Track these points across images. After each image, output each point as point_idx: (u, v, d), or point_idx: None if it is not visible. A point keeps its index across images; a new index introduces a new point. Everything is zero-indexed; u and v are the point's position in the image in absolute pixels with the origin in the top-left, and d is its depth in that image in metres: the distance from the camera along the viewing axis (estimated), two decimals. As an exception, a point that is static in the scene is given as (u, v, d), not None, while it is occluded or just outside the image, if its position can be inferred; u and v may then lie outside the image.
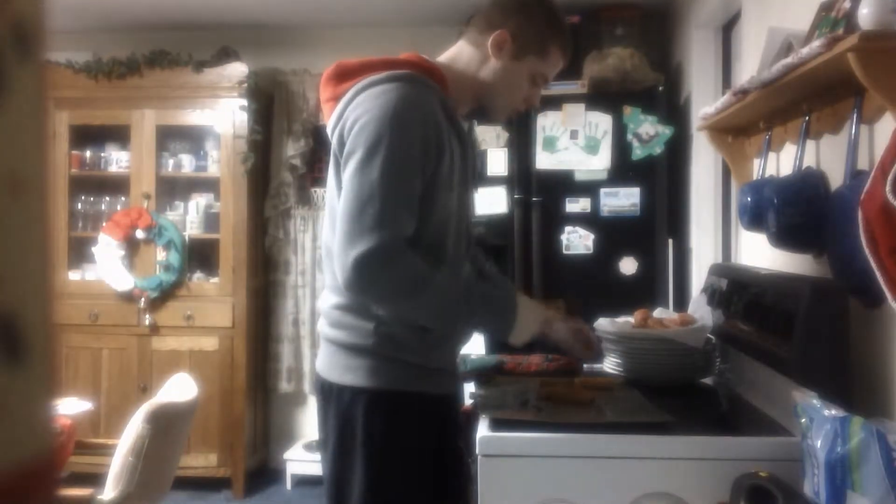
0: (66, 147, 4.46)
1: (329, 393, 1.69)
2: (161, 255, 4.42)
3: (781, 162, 2.21)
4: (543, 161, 3.78)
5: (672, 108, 3.86)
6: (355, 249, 1.51)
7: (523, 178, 3.82)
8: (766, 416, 1.79)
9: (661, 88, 3.80)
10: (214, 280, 4.46)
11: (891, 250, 1.34)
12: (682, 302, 3.66)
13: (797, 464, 1.40)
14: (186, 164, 4.55)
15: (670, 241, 3.83)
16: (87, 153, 4.55)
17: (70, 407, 3.11)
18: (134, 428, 2.55)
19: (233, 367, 4.37)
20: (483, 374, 2.06)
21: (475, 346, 2.30)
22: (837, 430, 1.27)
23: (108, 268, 4.38)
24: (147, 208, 4.41)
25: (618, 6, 4.00)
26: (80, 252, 4.55)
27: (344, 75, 1.68)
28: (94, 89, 4.41)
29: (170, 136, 4.56)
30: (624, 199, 3.75)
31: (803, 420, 1.37)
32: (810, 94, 1.85)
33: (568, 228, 3.77)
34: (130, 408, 2.86)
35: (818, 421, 1.32)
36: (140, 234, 4.39)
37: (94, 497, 2.54)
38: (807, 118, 1.90)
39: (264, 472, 4.63)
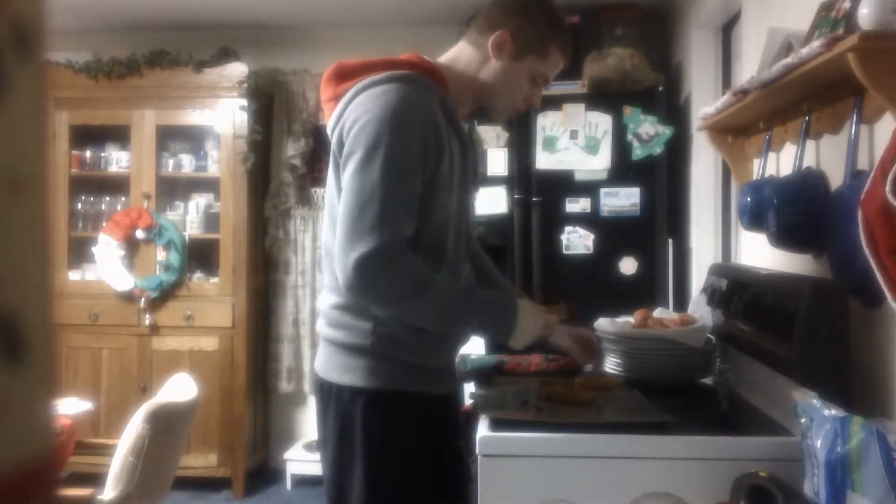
0: (66, 147, 4.46)
1: (328, 393, 1.69)
2: (161, 255, 4.42)
3: (781, 162, 2.21)
4: (543, 161, 3.78)
5: (672, 108, 3.86)
6: (355, 251, 1.51)
7: (523, 178, 3.82)
8: (766, 416, 1.79)
9: (661, 88, 3.80)
10: (214, 280, 4.46)
11: (891, 250, 1.34)
12: (682, 302, 3.66)
13: (797, 464, 1.40)
14: (186, 164, 4.55)
15: (670, 241, 3.83)
16: (87, 153, 4.55)
17: (70, 407, 3.11)
18: (134, 428, 2.55)
19: (233, 367, 4.37)
20: (483, 374, 2.06)
21: (475, 346, 2.30)
22: (837, 430, 1.27)
23: (108, 268, 4.38)
24: (147, 208, 4.41)
25: (618, 6, 4.00)
26: (80, 252, 4.54)
27: (344, 75, 1.68)
28: (94, 89, 4.41)
29: (170, 136, 4.56)
30: (624, 199, 3.75)
31: (803, 420, 1.37)
32: (810, 94, 1.85)
33: (568, 228, 3.77)
34: (130, 408, 2.86)
35: (818, 421, 1.32)
36: (140, 234, 4.39)
37: (94, 497, 2.54)
38: (807, 118, 1.90)
39: (264, 472, 4.63)
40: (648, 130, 3.74)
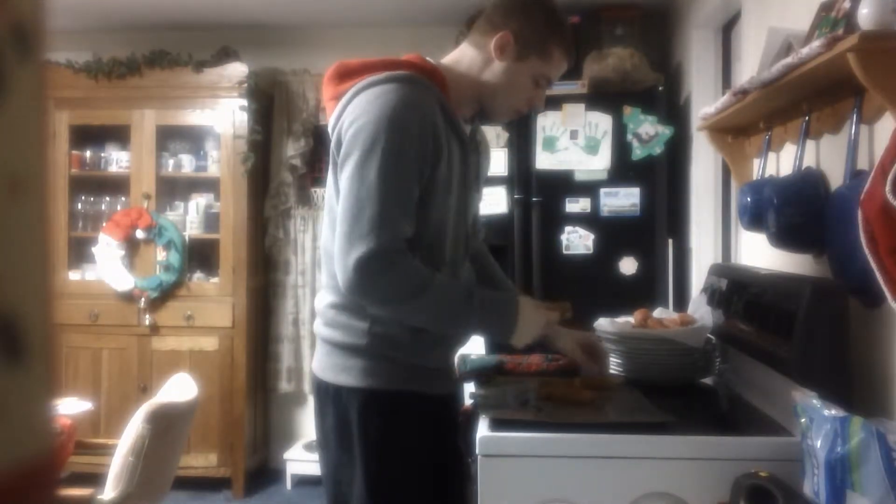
0: (66, 147, 4.46)
1: (325, 393, 1.70)
2: (161, 255, 4.42)
3: (781, 162, 2.21)
4: (543, 161, 3.78)
5: (672, 108, 3.86)
6: (354, 252, 1.51)
7: (523, 178, 3.82)
8: (766, 416, 1.79)
9: (661, 88, 3.80)
10: (214, 280, 4.46)
11: (891, 250, 1.34)
12: (682, 302, 3.66)
13: (797, 464, 1.40)
14: (186, 164, 4.55)
15: (670, 241, 3.83)
16: (87, 153, 4.55)
17: (70, 407, 3.11)
18: (134, 428, 2.55)
19: (233, 367, 4.37)
20: (483, 374, 2.06)
21: (475, 346, 2.30)
22: (837, 430, 1.27)
23: (108, 268, 4.38)
24: (147, 208, 4.41)
25: (618, 6, 4.00)
26: (80, 252, 4.54)
27: (345, 75, 1.68)
28: (94, 89, 4.41)
29: (170, 136, 4.56)
30: (624, 199, 3.75)
31: (803, 420, 1.37)
32: (810, 94, 1.85)
33: (568, 228, 3.77)
34: (130, 408, 2.86)
35: (818, 421, 1.32)
36: (140, 234, 4.39)
37: (94, 497, 2.54)
38: (807, 118, 1.90)
39: (264, 472, 4.63)
40: (648, 130, 3.74)
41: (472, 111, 1.80)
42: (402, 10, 4.36)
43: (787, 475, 1.42)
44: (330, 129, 1.68)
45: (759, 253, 2.41)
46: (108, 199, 4.56)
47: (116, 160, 4.54)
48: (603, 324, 2.15)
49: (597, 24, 4.00)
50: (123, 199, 4.50)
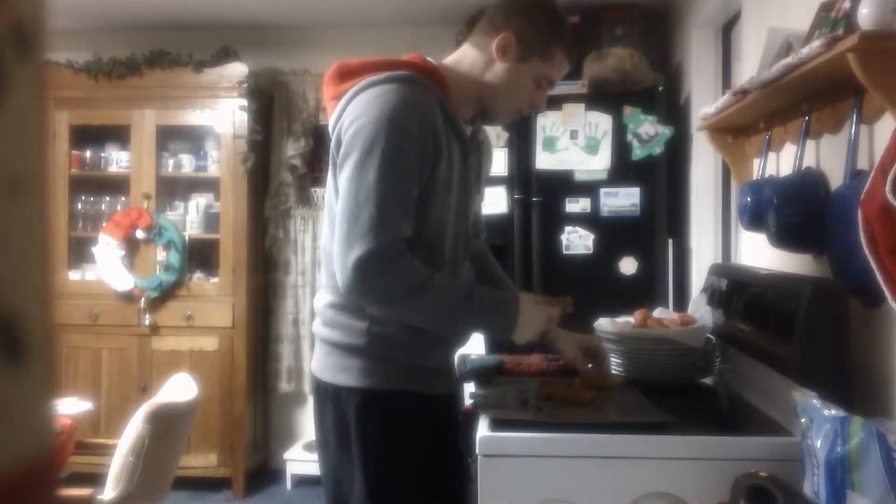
0: (66, 147, 4.46)
1: (324, 393, 1.70)
2: (161, 255, 4.42)
3: (781, 162, 2.21)
4: (543, 161, 3.78)
5: (672, 108, 3.86)
6: (353, 253, 1.52)
7: (523, 178, 3.82)
8: (766, 416, 1.79)
9: (661, 88, 3.80)
10: (214, 280, 4.46)
11: (891, 250, 1.34)
12: (682, 302, 3.66)
13: (797, 464, 1.40)
14: (186, 164, 4.55)
15: (670, 241, 3.83)
16: (87, 153, 4.55)
17: (70, 407, 3.11)
18: (134, 428, 2.55)
19: (233, 367, 4.37)
20: (483, 374, 2.06)
21: (475, 346, 2.30)
22: (837, 430, 1.27)
23: (108, 268, 4.38)
24: (147, 208, 4.41)
25: (618, 6, 4.00)
26: (80, 252, 4.54)
27: (345, 75, 1.68)
28: (94, 89, 4.41)
29: (170, 136, 4.56)
30: (624, 199, 3.75)
31: (803, 420, 1.37)
32: (810, 94, 1.85)
33: (568, 228, 3.77)
34: (130, 408, 2.86)
35: (818, 421, 1.32)
36: (140, 234, 4.39)
37: (94, 497, 2.54)
38: (807, 118, 1.90)
39: (264, 472, 4.63)
40: (648, 130, 3.74)
41: (474, 112, 1.80)
42: (402, 10, 4.36)
43: (787, 475, 1.42)
44: (330, 129, 1.68)
45: (759, 253, 2.41)
46: (108, 199, 4.56)
47: (116, 160, 4.54)
48: (603, 324, 2.15)
49: (597, 24, 4.00)
50: (123, 199, 4.50)
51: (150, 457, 2.54)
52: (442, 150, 1.62)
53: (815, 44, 1.52)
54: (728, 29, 3.53)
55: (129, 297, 4.39)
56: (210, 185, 4.56)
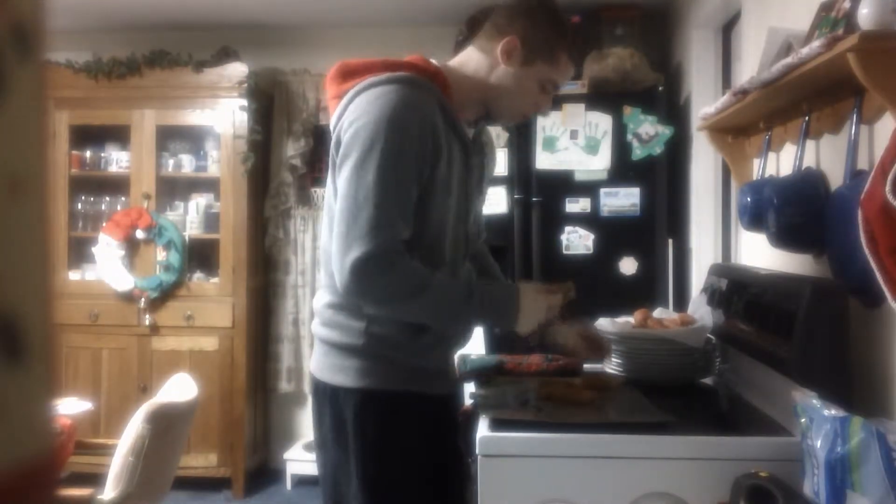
0: (66, 147, 4.46)
1: (323, 393, 1.70)
2: (161, 255, 4.42)
3: (781, 162, 2.21)
4: (543, 161, 3.78)
5: (672, 108, 3.86)
6: (351, 254, 1.51)
7: (523, 178, 3.82)
8: (766, 416, 1.79)
9: (661, 88, 3.80)
10: (214, 280, 4.46)
11: (891, 250, 1.34)
12: (682, 302, 3.66)
13: (797, 464, 1.40)
14: (186, 164, 4.55)
15: (670, 241, 3.83)
16: (87, 153, 4.55)
17: (70, 407, 3.11)
18: (134, 428, 2.55)
19: (233, 367, 4.37)
20: (483, 374, 2.06)
21: (475, 346, 2.30)
22: (837, 430, 1.27)
23: (108, 268, 4.38)
24: (147, 208, 4.41)
25: (618, 6, 4.00)
26: (80, 252, 4.54)
27: (347, 74, 1.68)
28: (94, 89, 4.41)
29: (170, 136, 4.56)
30: (624, 199, 3.75)
31: (803, 420, 1.37)
32: (810, 94, 1.85)
33: (568, 228, 3.77)
34: (130, 408, 2.86)
35: (818, 421, 1.32)
36: (140, 234, 4.39)
37: (94, 497, 2.54)
38: (807, 118, 1.90)
39: (264, 472, 4.63)
40: (648, 130, 3.74)
41: (478, 114, 1.80)
42: (402, 10, 4.36)
43: (787, 475, 1.42)
44: (331, 129, 1.68)
45: (759, 253, 2.41)
46: (108, 199, 4.56)
47: (116, 160, 4.54)
48: (603, 324, 2.15)
49: (597, 24, 4.00)
50: (123, 199, 4.50)
51: (150, 457, 2.54)
52: (441, 150, 1.61)
53: (815, 44, 1.52)
54: (728, 29, 3.53)
55: (129, 297, 4.39)
56: (210, 185, 4.56)
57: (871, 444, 1.23)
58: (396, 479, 1.65)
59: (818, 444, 1.30)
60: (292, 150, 4.53)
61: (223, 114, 4.39)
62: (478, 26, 1.80)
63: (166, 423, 2.61)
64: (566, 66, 1.77)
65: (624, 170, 3.74)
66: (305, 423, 4.71)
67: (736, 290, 2.06)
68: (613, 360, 2.11)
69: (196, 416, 2.99)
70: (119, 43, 4.54)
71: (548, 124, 3.76)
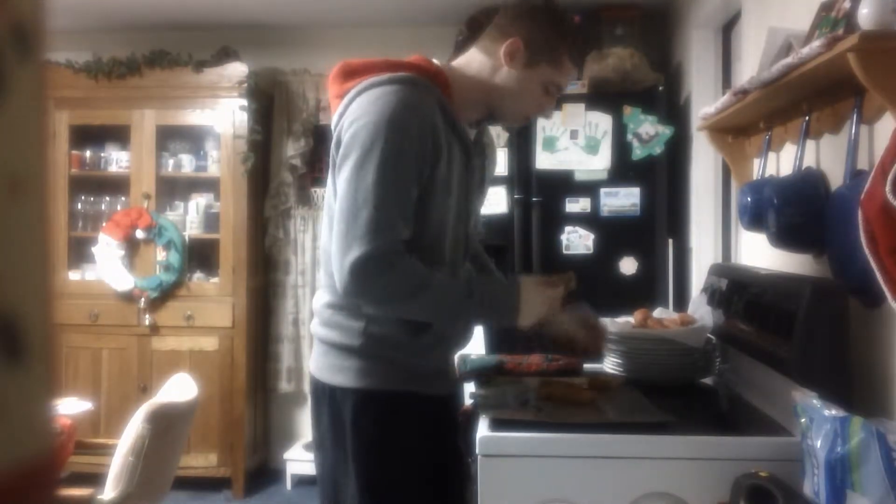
0: (66, 147, 4.46)
1: (321, 393, 1.70)
2: (161, 255, 4.42)
3: (781, 162, 2.21)
4: (543, 161, 3.78)
5: (672, 108, 3.86)
6: (350, 254, 1.51)
7: (523, 178, 3.82)
8: (766, 416, 1.79)
9: (661, 88, 3.80)
10: (214, 280, 4.46)
11: (891, 250, 1.34)
12: (682, 302, 3.66)
13: (797, 464, 1.40)
14: (186, 164, 4.55)
15: (670, 241, 3.83)
16: (87, 153, 4.55)
17: (70, 407, 3.11)
18: (134, 428, 2.55)
19: (233, 367, 4.37)
20: (483, 374, 2.06)
21: (475, 346, 2.30)
22: (837, 430, 1.27)
23: (108, 268, 4.38)
24: (147, 208, 4.41)
25: (618, 6, 4.00)
26: (80, 252, 4.54)
27: (349, 74, 1.68)
28: (94, 89, 4.41)
29: (170, 136, 4.56)
30: (624, 199, 3.75)
31: (803, 420, 1.37)
32: (810, 94, 1.85)
33: (568, 228, 3.77)
34: (130, 408, 2.86)
35: (818, 421, 1.32)
36: (140, 234, 4.39)
37: (94, 497, 2.54)
38: (807, 118, 1.90)
39: (264, 472, 4.63)
40: (648, 130, 3.74)
41: (480, 115, 1.79)
42: (402, 10, 4.36)
43: (787, 475, 1.42)
44: (332, 128, 1.68)
45: (759, 253, 2.41)
46: (108, 199, 4.56)
47: (116, 160, 4.54)
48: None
49: (597, 24, 4.00)
50: (123, 199, 4.50)
51: (150, 457, 2.54)
52: (441, 150, 1.61)
53: (816, 44, 1.52)
54: (728, 29, 3.53)
55: (129, 297, 4.39)
56: (210, 185, 4.56)
57: (871, 444, 1.23)
58: (396, 480, 1.64)
59: (818, 444, 1.30)
60: (292, 150, 4.53)
61: (223, 114, 4.39)
62: (478, 27, 1.79)
63: (166, 423, 2.61)
64: (570, 67, 1.76)
65: (624, 170, 3.74)
66: (305, 423, 4.71)
67: (736, 290, 2.06)
68: (613, 360, 2.11)
69: (196, 416, 2.99)
70: (119, 43, 4.54)
71: (548, 124, 3.76)
